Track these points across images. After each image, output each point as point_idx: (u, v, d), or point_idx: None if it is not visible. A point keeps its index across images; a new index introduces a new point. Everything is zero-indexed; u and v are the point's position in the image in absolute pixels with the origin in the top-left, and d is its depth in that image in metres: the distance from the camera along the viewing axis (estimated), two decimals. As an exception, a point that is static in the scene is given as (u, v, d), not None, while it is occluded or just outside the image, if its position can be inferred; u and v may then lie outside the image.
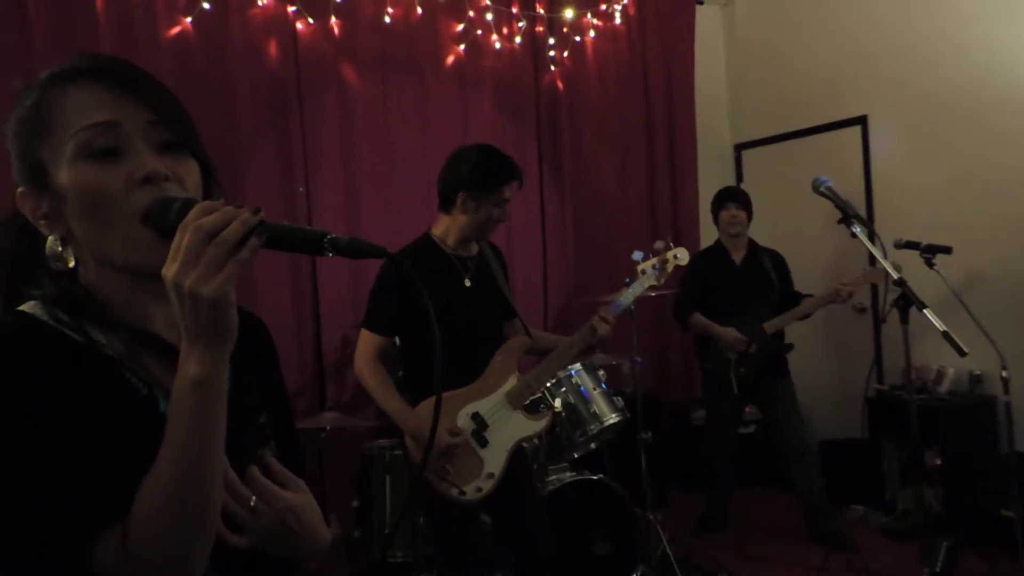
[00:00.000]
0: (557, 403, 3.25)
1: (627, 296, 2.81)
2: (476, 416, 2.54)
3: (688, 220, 5.34)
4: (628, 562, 3.24)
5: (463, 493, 2.43)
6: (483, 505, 2.56)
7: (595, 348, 2.73)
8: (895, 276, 2.43)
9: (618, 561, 3.22)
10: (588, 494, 3.20)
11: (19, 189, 0.91)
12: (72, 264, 0.91)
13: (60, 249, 0.90)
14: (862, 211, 4.77)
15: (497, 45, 4.68)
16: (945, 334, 2.26)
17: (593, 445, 3.46)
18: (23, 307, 0.90)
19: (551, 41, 4.87)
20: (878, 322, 4.79)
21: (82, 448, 0.82)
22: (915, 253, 3.51)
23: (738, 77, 5.75)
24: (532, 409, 2.68)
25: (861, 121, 4.91)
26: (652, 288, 2.91)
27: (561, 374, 3.27)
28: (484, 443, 2.53)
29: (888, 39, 4.71)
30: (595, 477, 3.22)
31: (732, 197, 4.27)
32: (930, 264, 3.46)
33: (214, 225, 0.77)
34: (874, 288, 4.83)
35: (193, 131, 0.95)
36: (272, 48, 4.00)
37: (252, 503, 0.94)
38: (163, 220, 0.84)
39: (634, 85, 5.21)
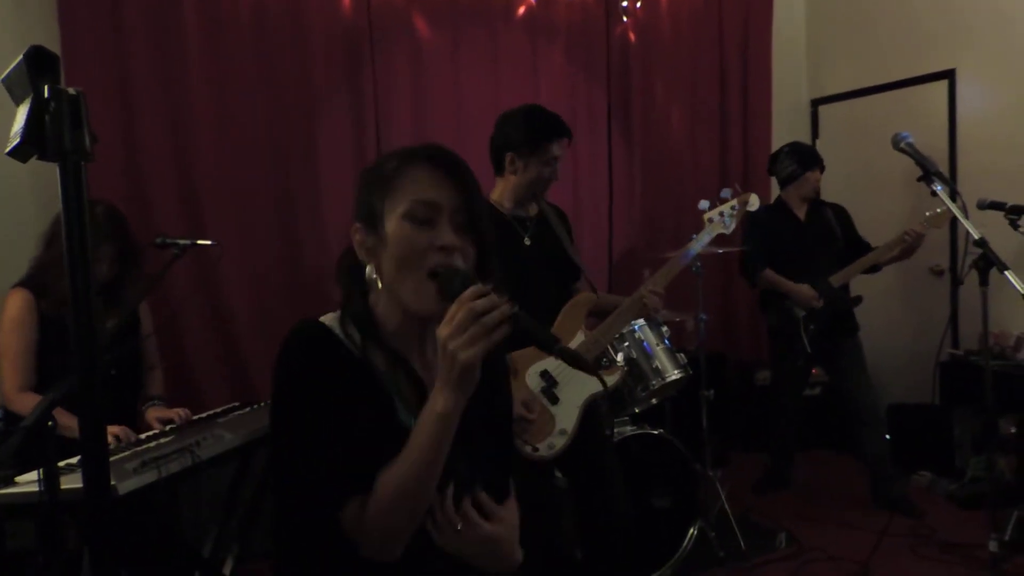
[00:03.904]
0: (619, 358, 3.26)
1: (696, 245, 2.80)
2: (545, 374, 2.56)
3: (760, 177, 5.20)
4: (686, 516, 3.27)
5: (536, 450, 2.47)
6: (557, 461, 2.60)
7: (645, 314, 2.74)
8: (975, 236, 2.35)
9: (676, 515, 3.24)
10: (648, 448, 3.22)
11: (355, 225, 1.22)
12: (377, 285, 1.20)
13: (374, 276, 1.20)
14: (945, 170, 4.58)
15: (569, -5, 4.61)
16: (1027, 297, 2.18)
17: (655, 400, 3.47)
18: (324, 318, 1.21)
19: (624, -9, 4.77)
20: (956, 284, 4.63)
21: (341, 434, 1.11)
22: (999, 214, 3.37)
23: (817, 30, 5.54)
24: (601, 365, 2.69)
25: (949, 75, 4.69)
26: (720, 241, 2.88)
27: (624, 329, 3.27)
28: (555, 400, 2.55)
29: (981, -12, 4.47)
30: (656, 432, 3.23)
31: (819, 160, 4.14)
32: (1015, 226, 3.31)
33: (482, 308, 1.02)
34: (953, 249, 4.67)
35: (482, 221, 1.21)
36: (346, 1, 4.02)
37: (458, 527, 1.16)
38: (447, 285, 1.12)
39: (708, 37, 5.08)
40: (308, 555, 1.18)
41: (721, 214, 2.84)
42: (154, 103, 3.54)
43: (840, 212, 4.19)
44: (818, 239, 4.07)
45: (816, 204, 4.17)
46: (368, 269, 1.21)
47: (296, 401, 1.13)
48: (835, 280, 3.91)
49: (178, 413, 2.57)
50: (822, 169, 4.14)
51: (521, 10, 4.49)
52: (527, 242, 2.62)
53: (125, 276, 2.63)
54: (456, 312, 1.03)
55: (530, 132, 2.56)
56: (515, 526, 1.25)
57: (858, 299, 4.03)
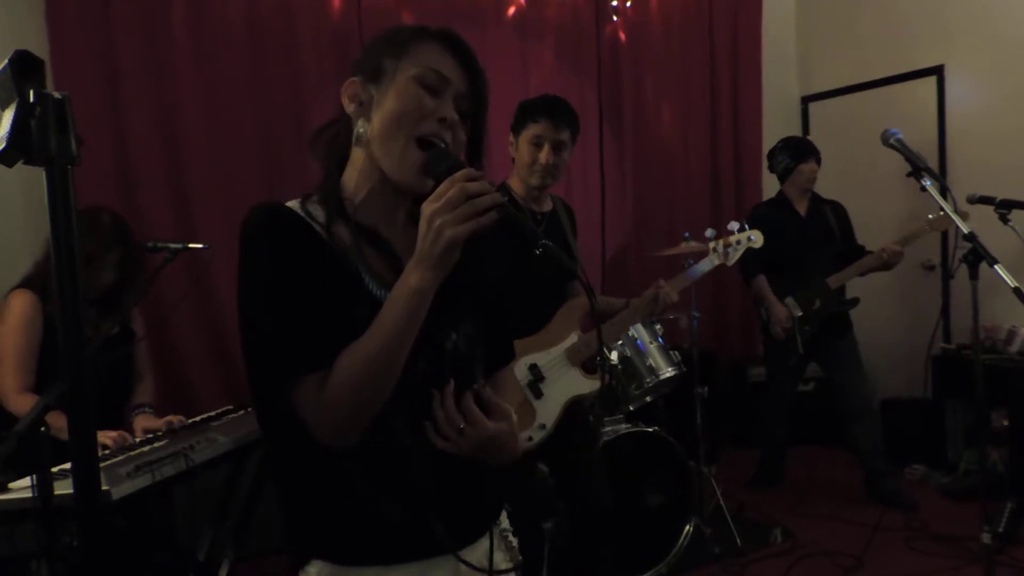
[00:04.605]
0: (613, 356, 3.27)
1: (696, 270, 2.85)
2: (534, 367, 2.58)
3: (750, 175, 5.23)
4: (681, 514, 3.27)
5: None
6: (541, 454, 2.61)
7: (655, 312, 2.76)
8: (965, 230, 2.36)
9: (671, 513, 3.25)
10: (642, 446, 3.22)
11: (352, 79, 1.20)
12: (365, 142, 1.18)
13: (361, 132, 1.18)
14: (935, 165, 4.61)
15: (559, -5, 4.61)
16: (1016, 290, 2.19)
17: (648, 398, 3.48)
18: (288, 203, 1.17)
19: (614, -10, 4.78)
20: (947, 279, 4.66)
21: (301, 305, 1.08)
22: (990, 208, 3.39)
23: (807, 27, 5.56)
24: (590, 367, 2.70)
25: (937, 71, 4.71)
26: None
27: (618, 327, 3.29)
28: (539, 395, 2.56)
29: (968, -17, 4.49)
30: (650, 429, 3.24)
31: (813, 152, 4.16)
32: (1005, 220, 3.33)
33: (474, 190, 1.01)
34: (943, 244, 4.69)
35: (482, 119, 1.24)
36: (335, 2, 4.02)
37: (461, 427, 1.13)
38: (435, 164, 1.11)
39: (698, 35, 5.09)
40: (279, 437, 1.16)
41: (726, 246, 2.88)
42: (144, 105, 3.53)
43: (838, 210, 4.22)
44: (817, 238, 4.09)
45: (815, 200, 4.19)
46: (361, 124, 1.18)
47: (253, 275, 1.10)
48: (832, 282, 3.94)
49: (168, 421, 2.55)
50: (818, 160, 4.15)
51: (511, 10, 4.49)
52: None
53: (125, 282, 2.64)
54: (447, 189, 1.02)
55: (518, 111, 2.62)
56: (513, 425, 1.21)
57: (855, 300, 4.06)
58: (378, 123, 1.16)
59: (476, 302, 1.28)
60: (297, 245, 1.11)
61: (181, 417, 2.58)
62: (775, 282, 4.09)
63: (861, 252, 4.05)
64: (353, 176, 1.20)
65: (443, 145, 1.15)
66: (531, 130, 2.55)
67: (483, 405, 1.17)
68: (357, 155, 1.20)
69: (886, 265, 3.83)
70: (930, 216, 3.71)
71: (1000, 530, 3.31)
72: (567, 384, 2.60)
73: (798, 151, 4.15)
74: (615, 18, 4.81)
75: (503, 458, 1.20)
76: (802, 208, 4.16)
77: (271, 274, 1.08)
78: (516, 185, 2.63)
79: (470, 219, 1.00)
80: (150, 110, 3.55)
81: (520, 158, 2.58)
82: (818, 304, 3.94)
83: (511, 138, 2.63)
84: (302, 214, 1.15)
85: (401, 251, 1.19)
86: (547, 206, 2.69)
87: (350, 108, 1.20)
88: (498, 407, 1.18)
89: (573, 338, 2.64)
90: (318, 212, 1.16)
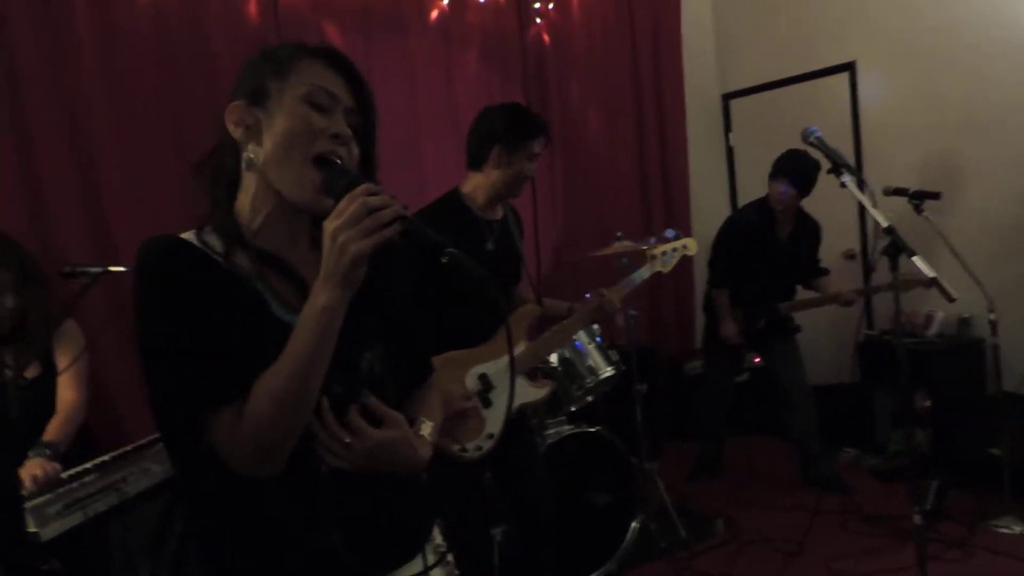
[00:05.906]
0: (554, 359, 3.28)
1: (636, 278, 2.92)
2: (483, 377, 2.56)
3: (677, 174, 5.32)
4: (627, 511, 3.31)
5: (464, 450, 2.47)
6: (485, 461, 2.60)
7: (599, 320, 2.81)
8: (884, 224, 2.44)
9: (617, 511, 3.28)
10: (586, 446, 3.25)
11: (234, 103, 1.16)
12: (255, 167, 1.15)
13: (252, 157, 1.15)
14: (851, 158, 4.78)
15: (481, -1, 4.60)
16: (934, 280, 2.28)
17: (590, 398, 3.51)
18: (183, 234, 1.15)
19: (536, -7, 4.80)
20: (869, 270, 4.83)
21: (206, 340, 1.05)
22: (903, 200, 3.54)
23: (725, 26, 5.70)
24: (534, 376, 2.70)
25: (850, 67, 4.88)
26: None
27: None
28: (488, 404, 2.55)
29: (876, -18, 4.67)
30: (592, 429, 3.27)
31: (785, 172, 3.91)
32: (919, 210, 3.48)
33: (375, 204, 1.00)
34: (863, 234, 4.87)
35: (371, 133, 1.22)
36: (251, 8, 3.92)
37: (347, 440, 1.12)
38: (333, 182, 1.09)
39: (620, 37, 5.15)
40: (194, 474, 1.12)
41: (664, 253, 2.95)
42: (51, 125, 3.34)
43: (815, 235, 4.20)
44: (786, 265, 4.12)
45: (797, 227, 4.11)
46: (251, 149, 1.15)
47: (153, 311, 1.07)
48: (785, 308, 4.08)
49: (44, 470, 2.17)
50: (794, 183, 3.89)
51: (434, 15, 4.46)
52: (490, 246, 2.60)
53: (31, 307, 2.45)
54: (348, 205, 1.01)
55: (519, 126, 2.57)
56: (405, 432, 1.19)
57: (797, 328, 4.21)
58: (270, 146, 1.13)
59: (387, 320, 1.27)
60: (196, 277, 1.08)
61: (56, 465, 2.22)
62: (733, 288, 4.17)
63: (815, 267, 4.19)
64: (246, 202, 1.18)
65: (339, 162, 1.13)
66: (532, 147, 2.56)
67: (370, 416, 1.16)
68: (249, 180, 1.17)
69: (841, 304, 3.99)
70: (865, 286, 4.02)
71: (928, 508, 3.45)
72: (516, 393, 2.60)
73: (775, 166, 4.01)
74: (538, 20, 4.83)
75: (402, 467, 1.19)
76: (784, 230, 4.09)
77: (173, 309, 1.05)
78: (475, 193, 2.60)
79: (373, 233, 1.00)
80: (58, 130, 3.35)
81: (510, 172, 2.55)
82: (762, 323, 4.07)
83: (499, 150, 2.54)
84: (199, 245, 1.13)
85: (306, 275, 1.17)
86: (499, 213, 2.69)
87: (236, 133, 1.16)
88: (388, 415, 1.17)
89: (520, 347, 2.65)
90: (215, 242, 1.14)
